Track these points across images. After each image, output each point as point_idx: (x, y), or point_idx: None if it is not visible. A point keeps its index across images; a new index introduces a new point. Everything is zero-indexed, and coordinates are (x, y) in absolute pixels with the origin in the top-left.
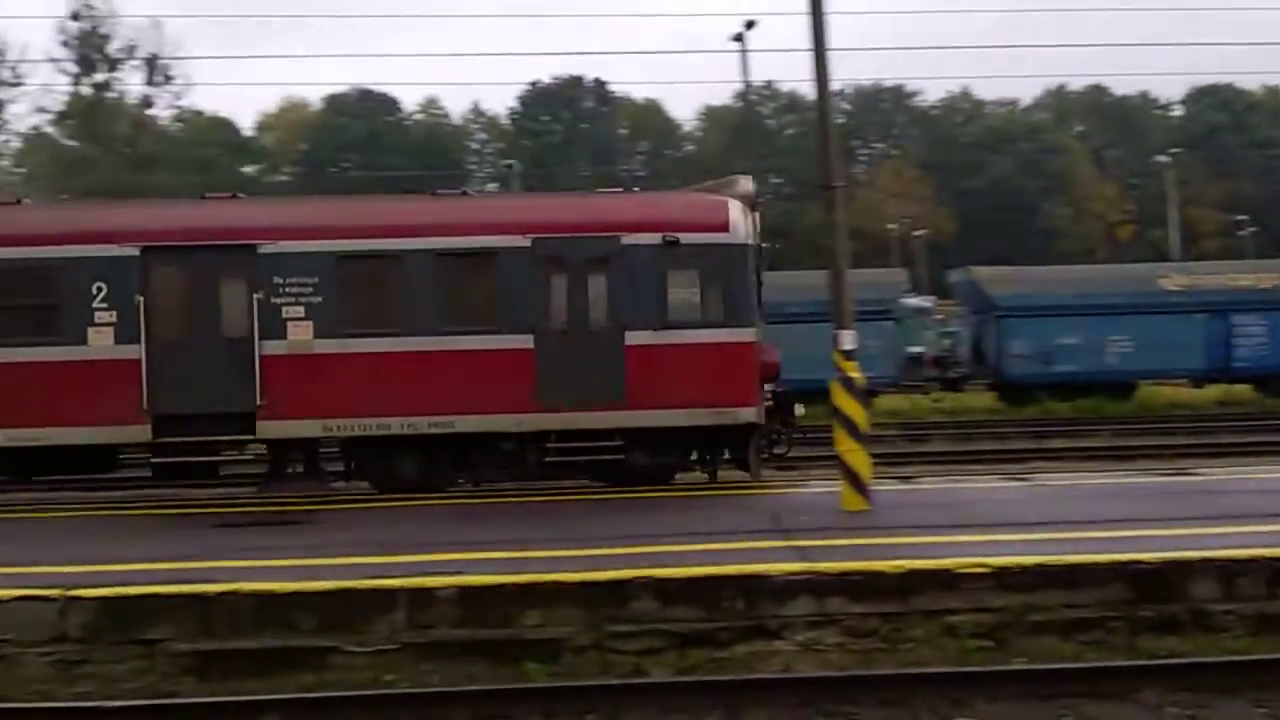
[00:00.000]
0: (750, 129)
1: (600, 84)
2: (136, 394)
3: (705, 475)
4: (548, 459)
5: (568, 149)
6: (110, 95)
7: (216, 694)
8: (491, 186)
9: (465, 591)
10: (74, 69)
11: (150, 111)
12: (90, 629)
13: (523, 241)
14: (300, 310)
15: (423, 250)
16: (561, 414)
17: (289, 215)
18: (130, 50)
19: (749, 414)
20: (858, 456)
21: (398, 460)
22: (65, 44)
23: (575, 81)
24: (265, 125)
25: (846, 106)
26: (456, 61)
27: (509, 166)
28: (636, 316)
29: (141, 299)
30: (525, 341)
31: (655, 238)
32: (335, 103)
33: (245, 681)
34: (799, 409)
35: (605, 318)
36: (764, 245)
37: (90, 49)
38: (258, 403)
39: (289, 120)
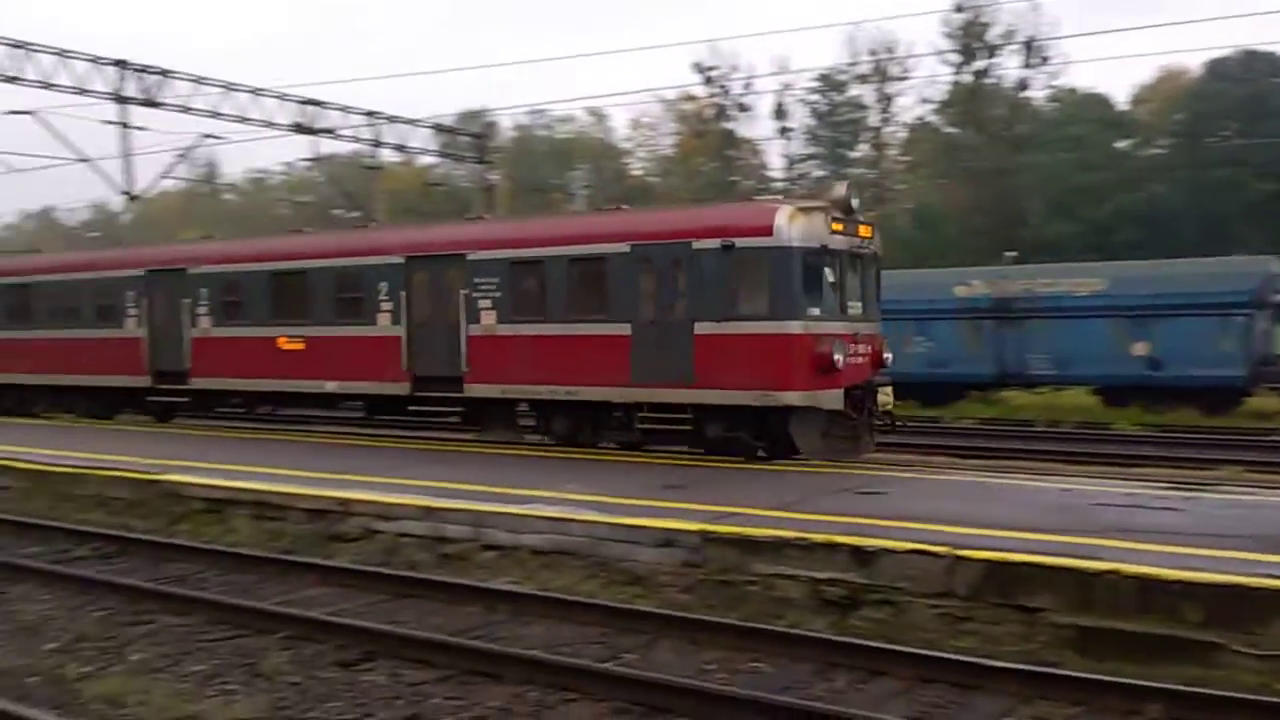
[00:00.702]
0: None
1: None
2: (400, 360)
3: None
4: (640, 426)
5: None
6: (988, 81)
7: (1096, 672)
8: None
9: None
10: (956, 59)
11: (1025, 93)
12: (974, 589)
13: (624, 248)
14: (489, 302)
15: (558, 256)
16: (649, 389)
17: (485, 231)
18: (1009, 35)
19: (791, 398)
20: None
21: (555, 419)
22: (949, 35)
23: None
24: (1140, 98)
25: None
26: None
27: None
28: (703, 310)
29: (404, 293)
30: (625, 329)
31: (717, 243)
32: (1216, 67)
33: (1124, 664)
34: (885, 398)
35: (681, 311)
36: (870, 247)
37: (971, 38)
38: (464, 370)
39: (1165, 90)
